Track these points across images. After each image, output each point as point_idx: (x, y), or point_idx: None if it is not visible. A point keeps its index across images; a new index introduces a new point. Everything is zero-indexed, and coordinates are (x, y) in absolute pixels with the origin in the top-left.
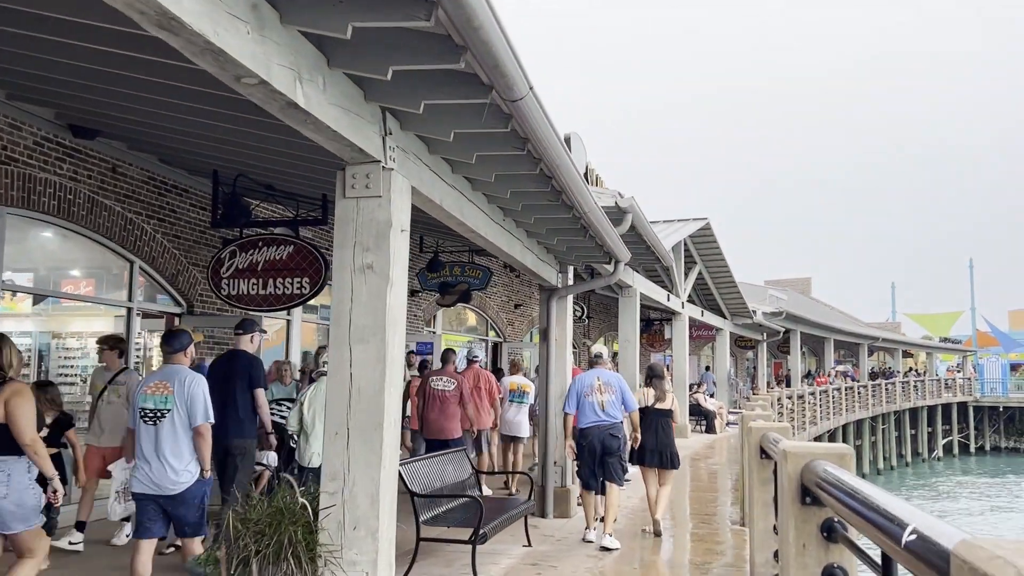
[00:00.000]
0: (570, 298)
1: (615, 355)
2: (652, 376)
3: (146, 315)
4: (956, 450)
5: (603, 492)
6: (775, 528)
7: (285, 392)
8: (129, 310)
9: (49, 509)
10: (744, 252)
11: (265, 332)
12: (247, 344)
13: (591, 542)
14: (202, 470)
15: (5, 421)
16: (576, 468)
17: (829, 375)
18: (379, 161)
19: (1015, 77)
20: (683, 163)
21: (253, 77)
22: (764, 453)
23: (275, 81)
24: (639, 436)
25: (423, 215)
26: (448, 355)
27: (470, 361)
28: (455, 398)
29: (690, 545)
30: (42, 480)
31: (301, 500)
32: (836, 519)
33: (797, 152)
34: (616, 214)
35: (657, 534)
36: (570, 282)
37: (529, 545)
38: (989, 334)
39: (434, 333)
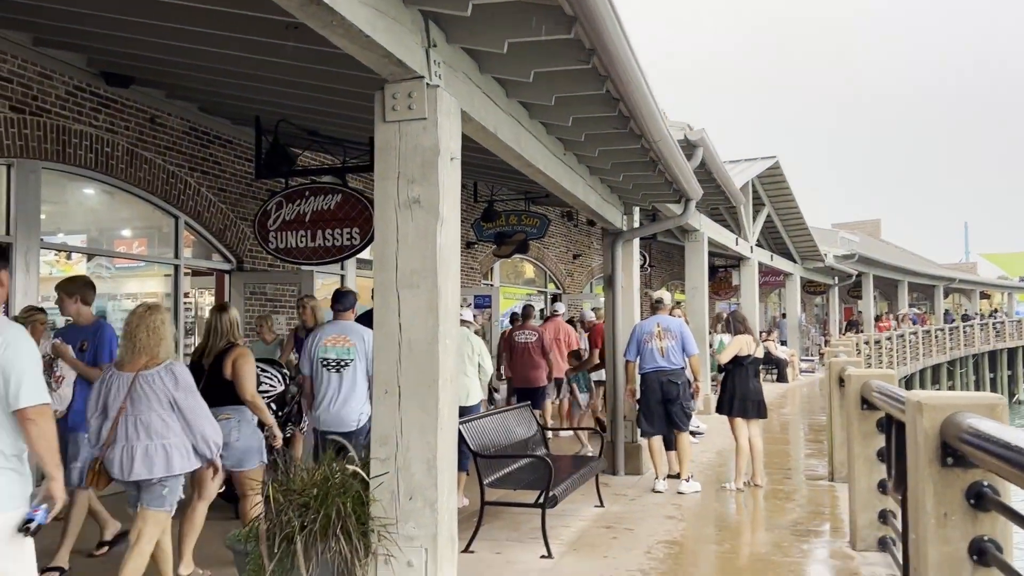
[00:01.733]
0: (636, 243)
1: (679, 304)
2: (740, 323)
3: (196, 273)
4: None
5: (671, 446)
6: (880, 486)
7: (267, 352)
8: (176, 268)
9: (271, 451)
10: (809, 195)
11: None
12: None
13: (660, 492)
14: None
15: (232, 379)
16: (636, 416)
17: (891, 320)
18: (423, 77)
19: None
20: (744, 106)
21: None
22: (866, 403)
23: None
24: (701, 386)
25: (475, 155)
26: (528, 310)
27: (552, 314)
28: (537, 349)
29: (774, 503)
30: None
31: (351, 467)
32: (986, 483)
33: (861, 89)
34: (686, 149)
35: (758, 486)
36: (635, 225)
37: (601, 505)
38: None
39: (491, 286)
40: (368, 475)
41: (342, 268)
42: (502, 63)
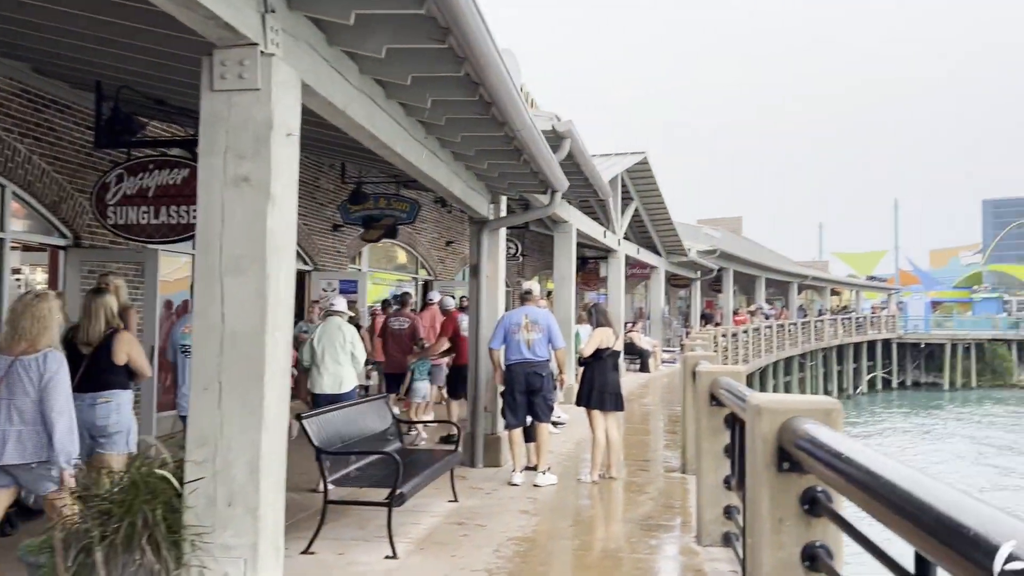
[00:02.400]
0: (503, 232)
1: (549, 293)
2: (602, 316)
3: (27, 248)
4: (879, 385)
5: (531, 437)
6: (726, 482)
7: None
8: (1, 241)
9: None
10: (677, 191)
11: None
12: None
13: (517, 484)
14: None
15: (130, 364)
16: (501, 407)
17: (746, 313)
18: (257, 44)
19: (949, 18)
20: (609, 101)
21: None
22: (715, 399)
23: None
24: (566, 378)
25: (337, 135)
26: (404, 298)
27: (428, 303)
28: (409, 335)
29: (628, 496)
30: None
31: (159, 471)
32: (820, 488)
33: (724, 91)
34: (553, 139)
35: (613, 478)
36: (503, 214)
37: (456, 500)
38: (911, 272)
39: (359, 271)
40: (183, 479)
41: (193, 247)
42: (351, 36)
